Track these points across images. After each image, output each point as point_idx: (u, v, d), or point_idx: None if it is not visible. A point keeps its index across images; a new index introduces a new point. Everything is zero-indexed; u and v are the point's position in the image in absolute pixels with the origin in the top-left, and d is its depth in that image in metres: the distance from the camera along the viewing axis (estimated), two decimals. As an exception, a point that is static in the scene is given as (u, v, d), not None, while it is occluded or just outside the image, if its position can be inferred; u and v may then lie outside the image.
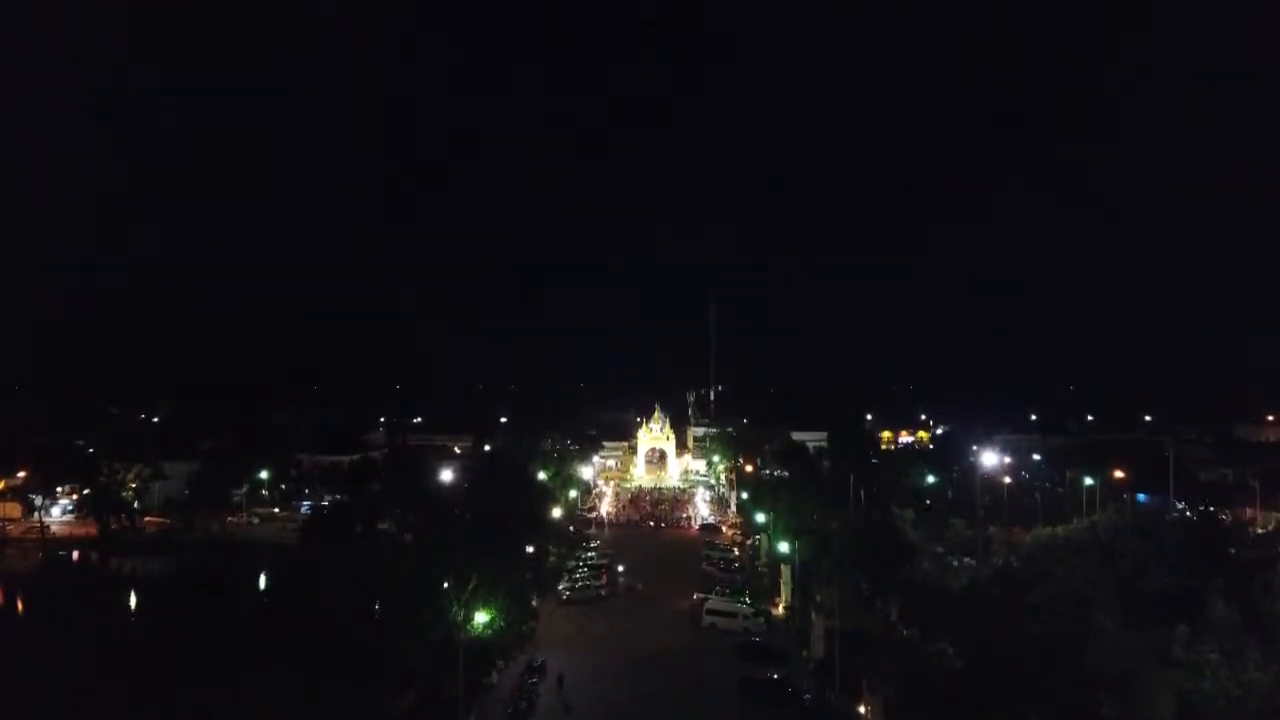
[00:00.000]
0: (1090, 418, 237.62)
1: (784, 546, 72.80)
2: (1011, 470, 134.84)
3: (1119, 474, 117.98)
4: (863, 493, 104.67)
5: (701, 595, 76.15)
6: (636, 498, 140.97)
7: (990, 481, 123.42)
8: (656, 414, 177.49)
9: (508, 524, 59.40)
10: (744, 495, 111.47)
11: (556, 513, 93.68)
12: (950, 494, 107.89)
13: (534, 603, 54.86)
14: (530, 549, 69.95)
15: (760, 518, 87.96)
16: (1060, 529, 76.60)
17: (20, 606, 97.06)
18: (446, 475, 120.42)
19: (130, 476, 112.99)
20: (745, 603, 72.59)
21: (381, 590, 51.46)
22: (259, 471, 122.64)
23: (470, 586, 49.86)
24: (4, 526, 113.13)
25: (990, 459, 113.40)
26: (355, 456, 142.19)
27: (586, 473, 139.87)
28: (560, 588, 76.78)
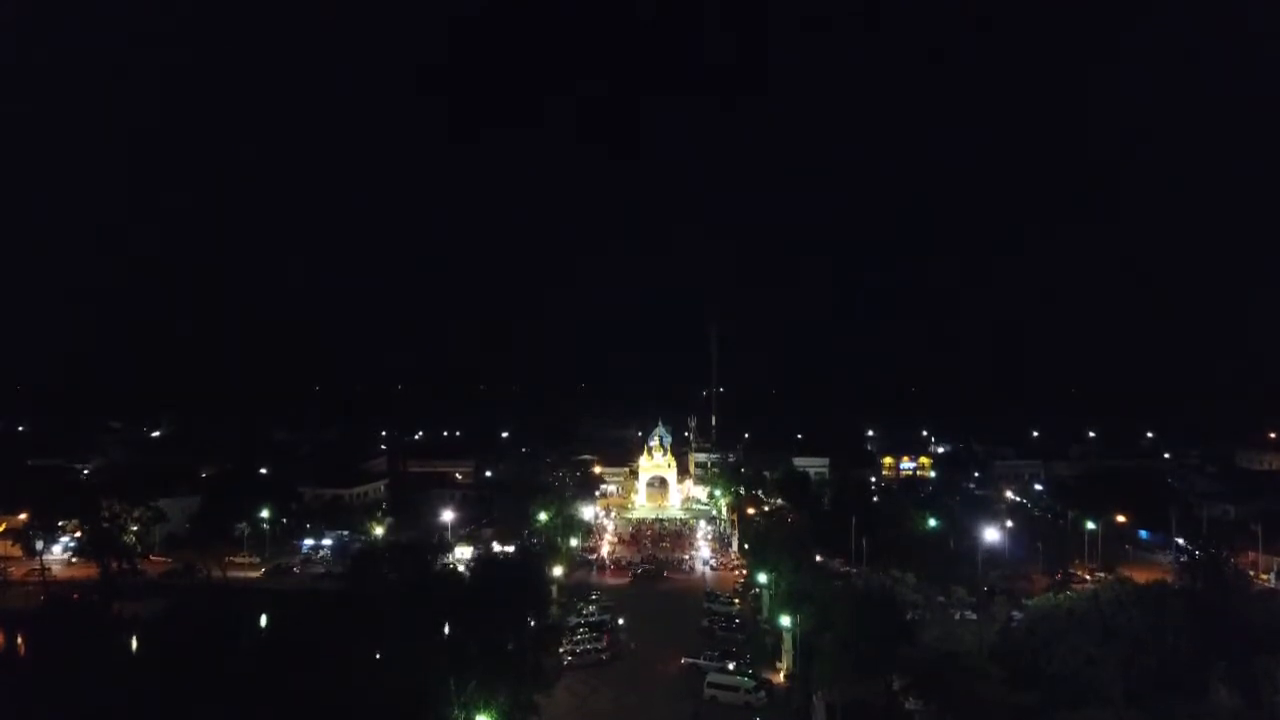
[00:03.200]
0: (1092, 434, 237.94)
1: (785, 621, 72.73)
2: (1013, 510, 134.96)
3: (1121, 518, 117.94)
4: (864, 542, 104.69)
5: (690, 660, 76.12)
6: (637, 533, 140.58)
7: (993, 516, 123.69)
8: (659, 443, 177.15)
9: (512, 625, 59.11)
10: (746, 546, 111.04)
11: (558, 571, 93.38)
12: (953, 543, 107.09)
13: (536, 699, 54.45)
14: (532, 621, 69.76)
15: (762, 578, 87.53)
16: (1062, 597, 75.97)
17: (19, 654, 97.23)
18: (448, 516, 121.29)
19: (131, 520, 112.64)
20: (747, 674, 72.28)
21: (383, 689, 51.29)
22: (259, 509, 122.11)
23: (471, 687, 49.77)
24: (5, 568, 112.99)
25: (991, 524, 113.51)
26: (356, 490, 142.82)
27: (588, 512, 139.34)
28: (561, 650, 76.52)
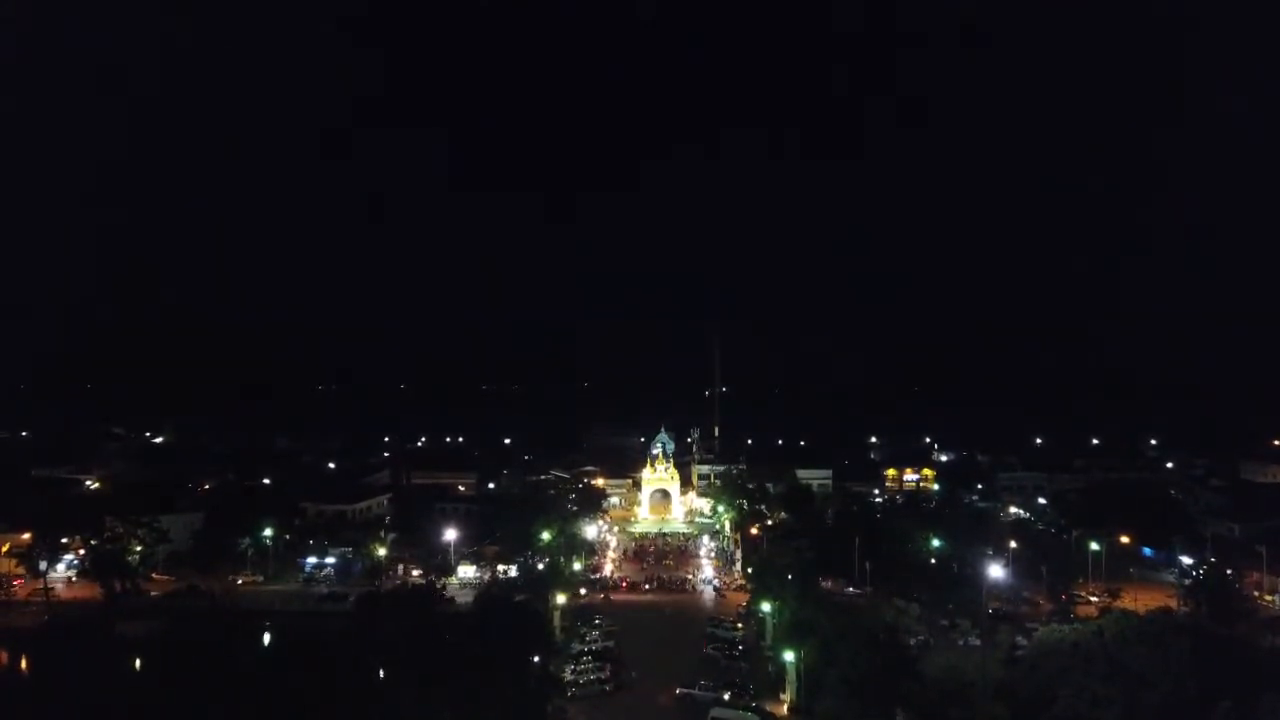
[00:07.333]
0: (1095, 440, 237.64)
1: (789, 656, 72.69)
2: (1016, 528, 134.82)
3: (1125, 539, 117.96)
4: (868, 564, 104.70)
5: (685, 690, 75.98)
6: (640, 549, 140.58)
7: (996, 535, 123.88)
8: (661, 452, 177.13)
9: (514, 674, 59.01)
10: (749, 569, 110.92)
11: (561, 599, 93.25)
12: (956, 566, 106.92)
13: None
14: (536, 658, 69.68)
15: (765, 605, 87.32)
16: (1067, 629, 75.84)
17: (23, 674, 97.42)
18: (452, 534, 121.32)
19: (134, 539, 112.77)
20: (751, 708, 72.14)
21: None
22: (262, 526, 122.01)
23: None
24: (9, 587, 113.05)
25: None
26: (359, 506, 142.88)
27: (591, 530, 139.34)
28: (565, 679, 76.19)
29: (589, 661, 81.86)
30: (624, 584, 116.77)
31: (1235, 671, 67.84)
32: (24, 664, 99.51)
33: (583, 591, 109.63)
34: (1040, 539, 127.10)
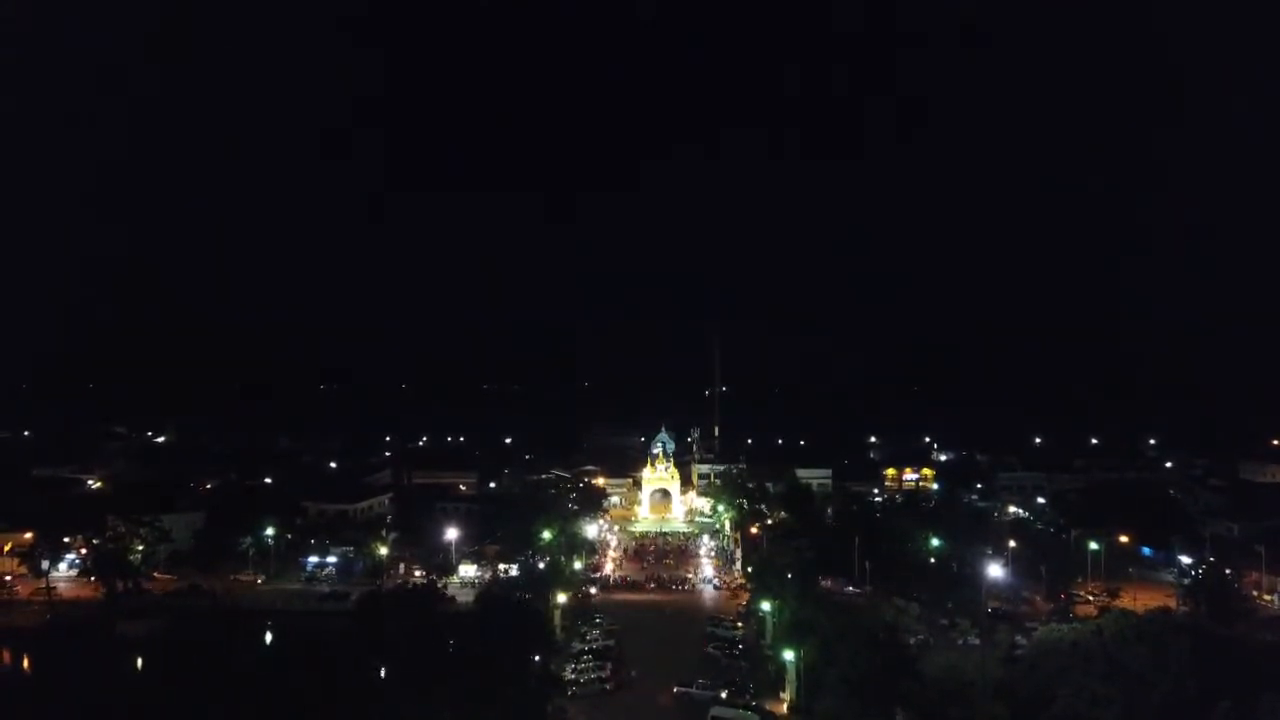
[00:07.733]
0: (1094, 440, 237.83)
1: (789, 655, 72.86)
2: (1015, 527, 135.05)
3: (1124, 538, 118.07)
4: (867, 565, 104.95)
5: (682, 689, 76.11)
6: (640, 548, 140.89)
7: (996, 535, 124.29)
8: (661, 452, 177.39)
9: (514, 673, 59.17)
10: (749, 569, 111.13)
11: (561, 598, 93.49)
12: (956, 565, 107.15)
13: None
14: (536, 658, 69.80)
15: (765, 605, 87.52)
16: (1066, 629, 76.00)
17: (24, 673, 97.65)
18: (453, 533, 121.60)
19: (136, 539, 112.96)
20: (750, 708, 72.33)
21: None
22: (263, 525, 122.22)
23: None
24: (11, 586, 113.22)
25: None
26: (360, 505, 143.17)
27: (591, 529, 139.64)
28: (565, 678, 76.31)
29: (589, 660, 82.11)
30: (624, 583, 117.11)
31: (1235, 671, 68.17)
32: (25, 663, 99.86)
33: (593, 591, 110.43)
34: (1040, 539, 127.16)
